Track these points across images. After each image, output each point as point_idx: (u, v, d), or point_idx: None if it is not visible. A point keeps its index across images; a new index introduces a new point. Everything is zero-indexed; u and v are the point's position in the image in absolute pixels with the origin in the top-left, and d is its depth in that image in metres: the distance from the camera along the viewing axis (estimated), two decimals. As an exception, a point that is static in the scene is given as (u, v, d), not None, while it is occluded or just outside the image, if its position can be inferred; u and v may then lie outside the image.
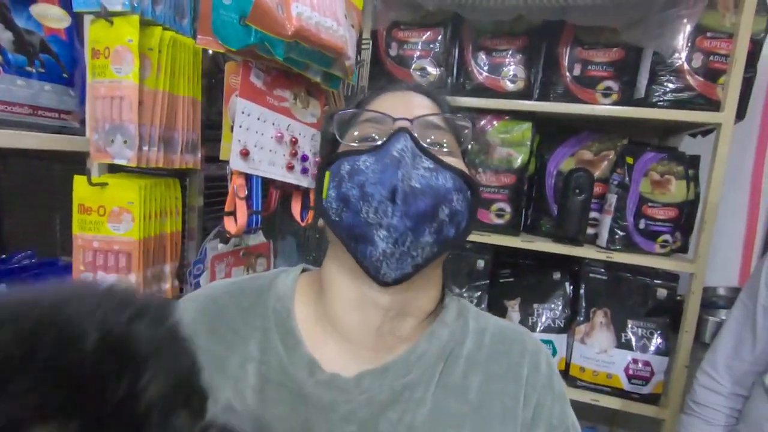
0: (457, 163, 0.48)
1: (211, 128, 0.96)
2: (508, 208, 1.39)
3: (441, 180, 0.44)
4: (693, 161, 1.35)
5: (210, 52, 0.94)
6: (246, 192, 0.88)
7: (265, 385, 0.45)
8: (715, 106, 1.22)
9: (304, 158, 0.97)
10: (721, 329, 1.02)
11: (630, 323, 1.36)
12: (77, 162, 0.83)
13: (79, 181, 0.79)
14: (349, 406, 0.44)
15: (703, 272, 1.23)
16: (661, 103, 1.27)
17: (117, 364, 0.21)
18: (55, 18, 0.81)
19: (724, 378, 0.98)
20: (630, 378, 1.33)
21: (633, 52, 1.29)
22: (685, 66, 1.23)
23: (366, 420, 0.43)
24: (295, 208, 1.00)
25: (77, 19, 0.83)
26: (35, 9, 0.78)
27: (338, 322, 0.48)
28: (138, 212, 0.80)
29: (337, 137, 0.51)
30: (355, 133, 0.49)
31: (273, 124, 0.90)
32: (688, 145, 1.53)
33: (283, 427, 0.43)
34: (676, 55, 1.23)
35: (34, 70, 0.77)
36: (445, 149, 0.48)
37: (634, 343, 1.34)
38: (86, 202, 0.80)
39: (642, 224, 1.30)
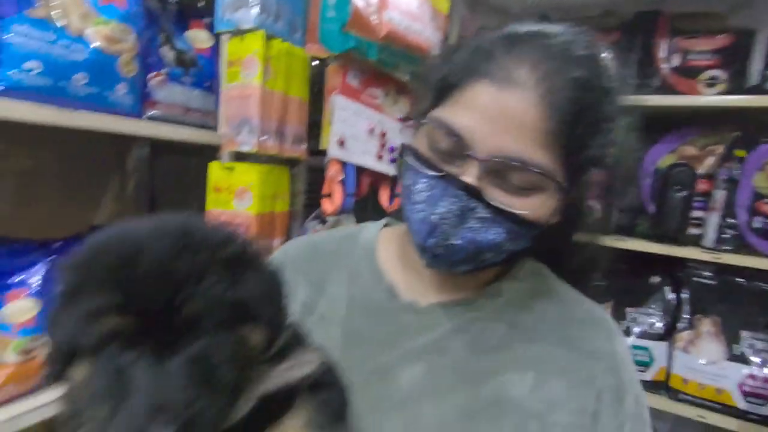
0: (534, 202, 0.44)
1: (313, 127, 1.12)
2: (596, 206, 1.35)
3: (491, 234, 0.44)
4: (825, 153, 1.19)
5: (315, 62, 1.09)
6: (341, 177, 1.01)
7: (353, 303, 0.54)
8: None
9: (392, 149, 1.08)
10: None
11: (745, 334, 1.22)
12: (210, 157, 1.03)
13: (213, 167, 0.99)
14: (421, 324, 0.50)
15: (840, 278, 1.07)
16: (780, 90, 1.15)
17: (159, 284, 0.26)
18: (203, 40, 1.03)
19: None
20: (746, 395, 1.18)
21: (743, 37, 1.20)
22: (809, 47, 1.11)
23: (437, 339, 0.49)
24: (383, 195, 1.11)
25: (217, 39, 1.04)
26: (189, 34, 1.01)
27: (415, 264, 0.55)
28: (257, 192, 0.97)
29: (432, 100, 0.49)
30: (435, 136, 0.46)
31: (366, 118, 1.02)
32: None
33: (368, 333, 0.51)
34: (797, 35, 1.12)
35: (187, 80, 0.98)
36: (523, 186, 0.44)
37: (750, 357, 1.20)
38: (218, 183, 0.99)
39: (757, 222, 1.17)
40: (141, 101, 0.89)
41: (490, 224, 0.44)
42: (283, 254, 0.62)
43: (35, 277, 0.78)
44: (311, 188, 1.16)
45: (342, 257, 0.58)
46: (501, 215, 0.43)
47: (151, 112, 0.92)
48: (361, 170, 1.05)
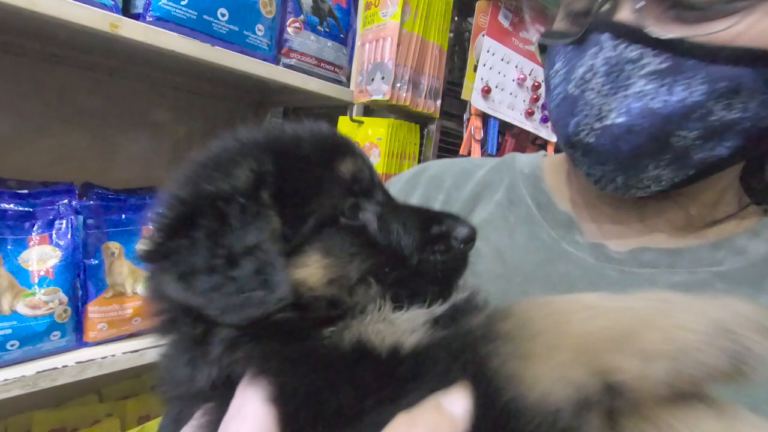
0: (753, 19, 0.26)
1: (451, 87, 0.99)
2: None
3: (677, 93, 0.27)
4: None
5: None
6: (482, 136, 0.86)
7: (513, 233, 0.41)
8: None
9: (546, 107, 0.89)
10: None
11: None
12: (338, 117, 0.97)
13: (342, 120, 0.92)
14: (624, 276, 0.35)
15: None
16: None
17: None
18: (340, -10, 0.97)
19: None
20: None
21: None
22: None
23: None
24: (529, 162, 0.93)
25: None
26: (328, -16, 0.96)
27: (597, 197, 0.39)
28: (384, 148, 0.87)
29: None
30: None
31: (516, 66, 0.86)
32: None
33: (539, 274, 0.37)
34: None
35: (322, 30, 0.93)
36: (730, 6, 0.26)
37: None
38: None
39: None
40: (277, 47, 0.86)
41: (673, 77, 0.27)
42: (423, 168, 0.51)
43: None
44: (442, 155, 1.03)
45: (492, 186, 0.46)
46: (691, 56, 0.26)
47: (287, 60, 0.89)
48: (506, 128, 0.88)
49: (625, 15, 0.29)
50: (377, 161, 0.88)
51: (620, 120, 0.29)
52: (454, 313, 0.26)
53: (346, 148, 0.29)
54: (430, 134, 1.01)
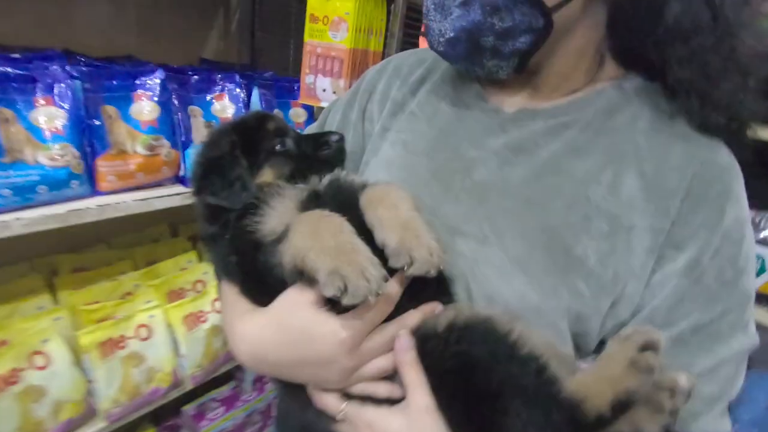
0: None
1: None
2: None
3: (471, 14, 0.43)
4: None
5: None
6: (443, 13, 0.91)
7: (442, 103, 0.55)
8: None
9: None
10: None
11: None
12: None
13: (311, -9, 0.95)
14: (505, 127, 0.50)
15: None
16: None
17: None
18: None
19: None
20: None
21: None
22: None
23: (516, 140, 0.49)
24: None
25: None
26: None
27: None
28: (352, 23, 0.93)
29: None
30: None
31: (480, -60, 0.88)
32: None
33: (453, 131, 0.53)
34: None
35: None
36: None
37: None
38: (315, 12, 0.96)
39: None
40: None
41: (469, 5, 0.43)
42: (389, 60, 0.63)
43: (155, 82, 0.86)
44: (408, 32, 1.08)
45: (434, 70, 0.58)
46: None
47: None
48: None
49: None
50: (345, 36, 0.94)
51: (451, 35, 0.45)
52: (330, 187, 0.49)
53: (270, 117, 0.53)
54: (396, 10, 1.05)
